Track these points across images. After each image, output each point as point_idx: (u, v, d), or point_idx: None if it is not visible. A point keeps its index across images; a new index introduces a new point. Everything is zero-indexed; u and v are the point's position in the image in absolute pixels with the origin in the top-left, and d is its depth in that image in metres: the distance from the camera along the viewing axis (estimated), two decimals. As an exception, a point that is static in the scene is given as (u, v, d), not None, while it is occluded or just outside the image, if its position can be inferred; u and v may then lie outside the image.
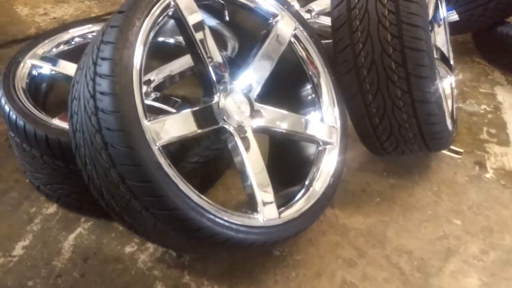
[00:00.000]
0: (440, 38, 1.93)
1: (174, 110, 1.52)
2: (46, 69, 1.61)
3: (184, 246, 1.29)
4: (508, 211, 1.67)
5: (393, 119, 1.46)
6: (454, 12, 2.28)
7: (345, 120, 1.52)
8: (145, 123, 1.06)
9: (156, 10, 1.14)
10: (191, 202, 1.07)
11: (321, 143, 1.46)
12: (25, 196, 1.60)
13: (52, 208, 1.56)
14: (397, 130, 1.49)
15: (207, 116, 1.23)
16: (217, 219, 1.11)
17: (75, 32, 1.77)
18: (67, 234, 1.48)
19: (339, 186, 1.51)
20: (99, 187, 1.12)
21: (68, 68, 1.60)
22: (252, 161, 1.27)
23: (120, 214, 1.15)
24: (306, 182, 1.39)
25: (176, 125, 1.14)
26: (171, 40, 1.91)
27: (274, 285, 1.38)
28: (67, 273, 1.38)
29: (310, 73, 1.49)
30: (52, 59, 1.62)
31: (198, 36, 1.24)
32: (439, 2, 1.91)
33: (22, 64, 1.57)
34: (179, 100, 1.56)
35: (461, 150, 1.78)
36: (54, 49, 1.70)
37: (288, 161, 1.55)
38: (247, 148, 1.28)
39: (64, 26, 1.80)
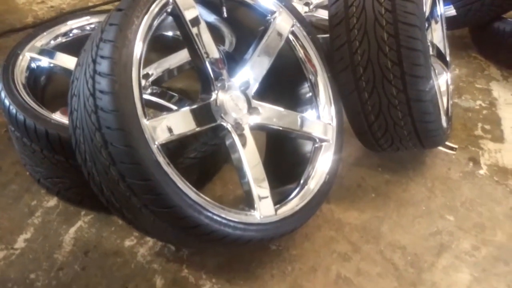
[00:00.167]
0: (437, 35, 1.94)
1: (171, 105, 1.52)
2: (44, 62, 1.61)
3: (182, 241, 1.32)
4: (500, 208, 1.69)
5: (388, 117, 1.48)
6: (451, 6, 2.28)
7: (341, 118, 1.54)
8: (144, 122, 1.08)
9: (154, 8, 1.15)
10: (189, 200, 1.09)
11: (317, 140, 1.48)
12: (25, 189, 1.62)
13: (52, 201, 1.59)
14: (392, 128, 1.51)
15: (205, 114, 1.25)
16: (214, 217, 1.14)
17: (73, 24, 1.77)
18: (68, 227, 1.51)
19: (335, 181, 1.54)
20: (99, 184, 1.14)
21: (67, 61, 1.60)
22: (249, 158, 1.29)
23: (120, 210, 1.17)
24: (302, 180, 1.41)
25: (175, 124, 1.15)
26: (170, 33, 1.91)
27: (270, 279, 1.41)
28: (68, 266, 1.41)
29: (308, 71, 1.51)
30: (50, 52, 1.63)
31: (196, 33, 1.25)
32: (436, -1, 1.92)
33: (21, 57, 1.57)
34: (176, 94, 1.57)
35: (456, 146, 1.80)
36: (52, 42, 1.70)
37: (284, 158, 1.57)
38: (244, 145, 1.29)
39: (62, 18, 1.80)
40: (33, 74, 1.60)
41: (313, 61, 1.50)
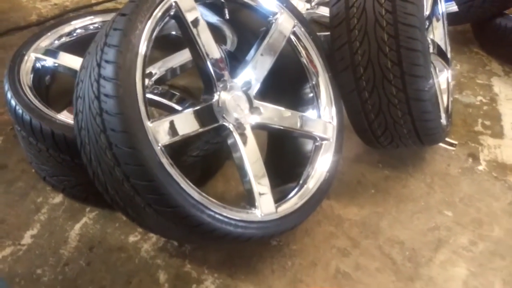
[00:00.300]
0: (438, 32, 1.95)
1: (173, 104, 1.54)
2: (49, 62, 1.64)
3: (185, 238, 1.36)
4: (498, 203, 1.72)
5: (388, 116, 1.50)
6: (453, 3, 2.29)
7: (342, 117, 1.56)
8: (148, 124, 1.10)
9: (158, 13, 1.17)
10: (192, 200, 1.12)
11: (318, 139, 1.51)
12: (31, 186, 1.65)
13: (58, 198, 1.62)
14: (392, 126, 1.54)
15: (208, 115, 1.27)
16: (216, 215, 1.17)
17: (77, 24, 1.79)
18: (73, 223, 1.54)
19: (335, 177, 1.56)
20: (104, 183, 1.17)
21: (71, 60, 1.62)
22: (251, 157, 1.31)
23: (124, 208, 1.20)
24: (302, 179, 1.44)
25: (178, 125, 1.18)
26: (173, 32, 1.93)
27: (271, 274, 1.45)
28: (73, 262, 1.44)
29: (310, 72, 1.53)
30: (55, 52, 1.65)
31: (198, 35, 1.27)
32: (438, -4, 1.92)
33: (26, 57, 1.60)
34: (177, 93, 1.59)
35: (456, 142, 1.82)
36: (56, 42, 1.73)
37: (285, 156, 1.60)
38: (246, 144, 1.32)
39: (66, 18, 1.82)
40: (38, 74, 1.62)
41: (314, 61, 1.52)
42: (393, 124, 1.53)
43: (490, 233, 1.61)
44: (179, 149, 1.39)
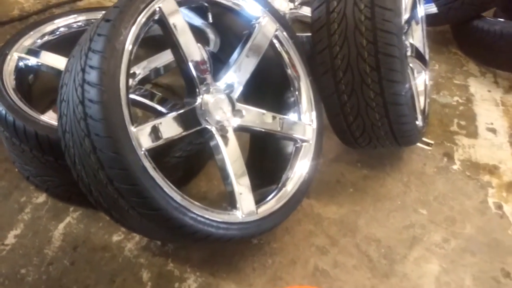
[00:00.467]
0: (417, 35, 2.00)
1: (155, 104, 1.56)
2: (32, 61, 1.64)
3: (168, 239, 1.39)
4: (470, 201, 1.78)
5: (366, 118, 1.55)
6: (433, 4, 2.35)
7: (321, 120, 1.60)
8: (132, 129, 1.12)
9: (142, 18, 1.18)
10: (175, 203, 1.16)
11: (298, 141, 1.55)
12: (15, 185, 1.66)
13: (41, 198, 1.63)
14: (370, 128, 1.58)
15: (191, 118, 1.30)
16: (198, 217, 1.20)
17: (60, 23, 1.78)
18: (57, 223, 1.56)
19: (315, 176, 1.60)
20: (88, 185, 1.19)
21: (54, 60, 1.63)
22: (231, 157, 1.34)
23: (108, 210, 1.23)
24: (282, 179, 1.48)
25: (161, 130, 1.20)
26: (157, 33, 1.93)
27: (252, 272, 1.49)
28: (58, 261, 1.46)
29: (292, 77, 1.56)
30: (38, 52, 1.65)
31: (182, 40, 1.29)
32: (417, 0, 1.96)
33: (9, 57, 1.59)
34: (159, 93, 1.61)
35: (432, 142, 1.88)
36: (39, 41, 1.72)
37: (267, 157, 1.63)
38: (228, 146, 1.35)
39: (49, 17, 1.81)
40: (21, 74, 1.62)
41: (296, 66, 1.55)
42: (371, 126, 1.57)
43: (462, 231, 1.68)
44: (162, 151, 1.42)
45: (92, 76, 1.09)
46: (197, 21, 1.55)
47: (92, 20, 1.82)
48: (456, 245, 1.63)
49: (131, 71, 1.65)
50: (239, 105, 1.42)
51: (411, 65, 1.84)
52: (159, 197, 1.13)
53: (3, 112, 1.41)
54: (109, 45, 1.10)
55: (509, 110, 2.23)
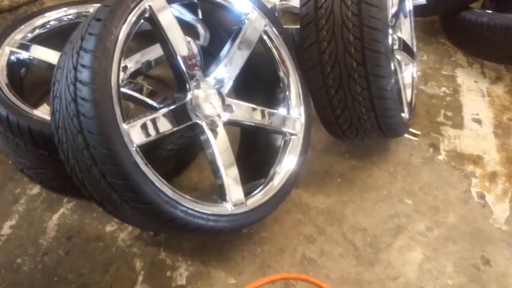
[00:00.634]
0: (406, 28, 2.03)
1: (144, 98, 1.59)
2: (24, 55, 1.65)
3: (160, 230, 1.43)
4: (454, 191, 1.83)
5: (353, 112, 1.59)
6: (422, -5, 2.37)
7: (310, 114, 1.64)
8: (123, 126, 1.16)
9: (132, 17, 1.20)
10: (165, 197, 1.20)
11: (287, 134, 1.58)
12: (9, 177, 1.69)
13: (35, 189, 1.66)
14: (357, 121, 1.62)
15: (181, 114, 1.33)
16: (189, 210, 1.24)
17: (51, 16, 1.79)
18: (51, 214, 1.60)
19: (304, 167, 1.64)
20: (82, 179, 1.23)
21: (46, 54, 1.65)
22: (220, 148, 1.38)
23: (102, 203, 1.27)
24: (270, 174, 1.52)
25: (152, 126, 1.24)
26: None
27: (241, 261, 1.54)
28: (52, 251, 1.50)
29: (282, 72, 1.59)
30: (29, 46, 1.66)
31: (172, 37, 1.32)
32: (405, -6, 1.99)
33: (0, 51, 1.61)
34: (149, 87, 1.64)
35: (419, 133, 1.92)
36: (29, 34, 1.73)
37: (257, 150, 1.67)
38: (218, 140, 1.39)
39: (40, 10, 1.82)
40: (12, 68, 1.63)
41: (286, 62, 1.58)
42: (357, 119, 1.61)
43: (445, 220, 1.73)
44: (154, 144, 1.44)
45: (84, 75, 1.11)
46: (188, 17, 1.57)
47: (83, 13, 1.84)
48: (439, 233, 1.68)
49: (123, 65, 1.68)
50: (229, 100, 1.45)
51: (398, 57, 1.87)
52: (150, 191, 1.17)
53: (-3, 106, 1.43)
54: (101, 44, 1.13)
55: (495, 101, 2.28)
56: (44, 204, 1.62)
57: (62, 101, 1.18)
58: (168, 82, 2.03)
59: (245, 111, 1.48)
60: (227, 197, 1.37)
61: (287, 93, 1.61)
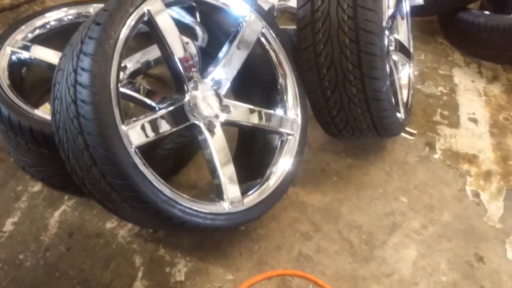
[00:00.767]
0: (403, 29, 2.05)
1: (142, 97, 1.62)
2: (25, 55, 1.68)
3: (158, 227, 1.46)
4: (449, 190, 1.86)
5: (349, 112, 1.62)
6: (420, -4, 2.39)
7: (306, 114, 1.67)
8: (122, 128, 1.19)
9: (131, 21, 1.22)
10: (164, 196, 1.23)
11: (284, 134, 1.61)
12: (11, 174, 1.72)
13: (37, 186, 1.69)
14: (353, 121, 1.65)
15: (179, 115, 1.35)
16: (187, 209, 1.28)
17: (51, 17, 1.82)
18: (53, 211, 1.63)
19: (301, 165, 1.67)
20: (82, 179, 1.26)
21: (47, 54, 1.67)
22: (219, 153, 1.41)
23: (101, 201, 1.30)
24: (266, 174, 1.55)
25: (150, 127, 1.26)
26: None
27: (239, 257, 1.57)
28: (54, 247, 1.54)
29: (279, 74, 1.62)
30: (29, 46, 1.69)
31: (170, 40, 1.34)
32: (402, -4, 2.01)
33: (2, 52, 1.63)
34: (147, 87, 1.67)
35: (415, 132, 1.94)
36: (30, 34, 1.75)
37: (254, 150, 1.70)
38: (216, 141, 1.41)
39: (40, 11, 1.84)
40: (13, 68, 1.66)
41: (283, 64, 1.61)
42: (353, 119, 1.64)
43: (440, 218, 1.75)
44: (153, 143, 1.47)
45: (84, 78, 1.14)
46: (187, 19, 1.59)
47: (83, 13, 1.86)
48: (433, 231, 1.71)
49: (122, 64, 1.71)
50: (226, 101, 1.48)
51: (395, 58, 1.89)
52: (149, 191, 1.20)
53: (-1, 106, 1.46)
54: (100, 48, 1.15)
55: (491, 100, 2.30)
56: (46, 201, 1.65)
57: (63, 102, 1.21)
58: (167, 81, 2.05)
59: (242, 112, 1.51)
60: (224, 196, 1.40)
61: (284, 94, 1.63)
